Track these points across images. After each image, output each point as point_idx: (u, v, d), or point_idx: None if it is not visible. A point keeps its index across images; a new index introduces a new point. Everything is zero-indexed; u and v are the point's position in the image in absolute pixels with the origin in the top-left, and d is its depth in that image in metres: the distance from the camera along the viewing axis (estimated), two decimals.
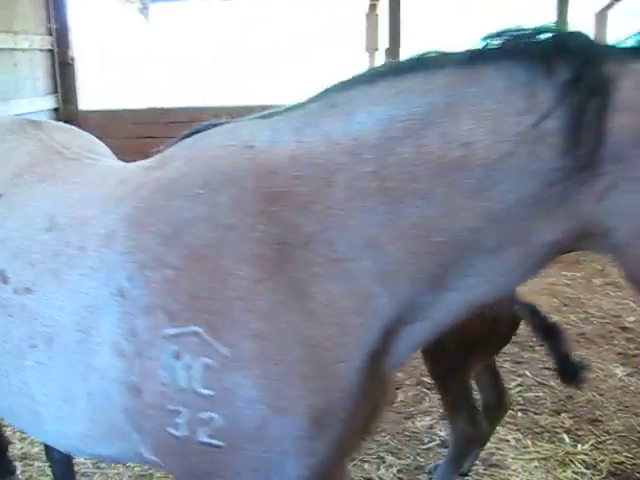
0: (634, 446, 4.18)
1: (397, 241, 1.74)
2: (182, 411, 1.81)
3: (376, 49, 9.32)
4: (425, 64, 1.77)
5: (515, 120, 1.63)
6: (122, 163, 2.48)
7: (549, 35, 1.67)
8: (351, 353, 1.80)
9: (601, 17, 10.91)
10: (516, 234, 1.71)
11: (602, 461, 3.99)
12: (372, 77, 1.84)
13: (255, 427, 1.78)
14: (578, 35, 1.67)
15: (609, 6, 11.04)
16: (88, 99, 9.50)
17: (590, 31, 1.69)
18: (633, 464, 3.99)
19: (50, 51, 8.66)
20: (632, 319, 6.02)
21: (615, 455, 4.07)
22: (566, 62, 1.61)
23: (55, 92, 8.81)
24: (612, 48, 1.65)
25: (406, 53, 8.56)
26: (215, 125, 2.09)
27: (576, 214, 1.67)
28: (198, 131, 2.11)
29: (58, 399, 2.04)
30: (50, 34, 8.63)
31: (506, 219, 1.70)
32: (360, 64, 9.87)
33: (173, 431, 1.84)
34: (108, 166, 2.41)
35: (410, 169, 1.71)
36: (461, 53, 1.73)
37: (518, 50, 1.67)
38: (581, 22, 12.15)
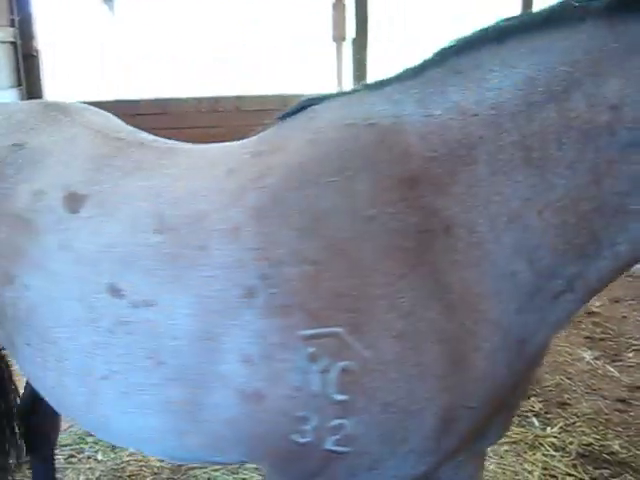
0: (602, 428, 4.23)
1: (543, 214, 1.62)
2: (311, 417, 1.70)
3: (344, 39, 9.32)
4: (559, 17, 1.61)
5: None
6: (211, 147, 2.21)
7: None
8: (486, 340, 1.69)
9: None
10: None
11: (571, 443, 4.04)
12: (500, 35, 1.68)
13: (385, 432, 1.70)
14: None
15: None
16: (54, 91, 9.35)
17: None
18: (601, 445, 4.04)
19: (13, 43, 8.53)
20: (598, 304, 6.08)
21: (584, 437, 4.12)
22: None
23: (19, 85, 8.68)
24: None
25: (373, 42, 8.71)
26: (311, 103, 1.95)
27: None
28: (295, 111, 1.98)
29: (173, 414, 1.90)
30: (13, 26, 8.50)
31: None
32: (328, 54, 9.82)
33: (297, 438, 1.73)
34: (199, 152, 2.18)
35: (556, 136, 1.58)
36: (598, 4, 1.55)
37: None
38: None
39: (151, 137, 2.34)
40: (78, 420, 2.22)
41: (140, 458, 3.93)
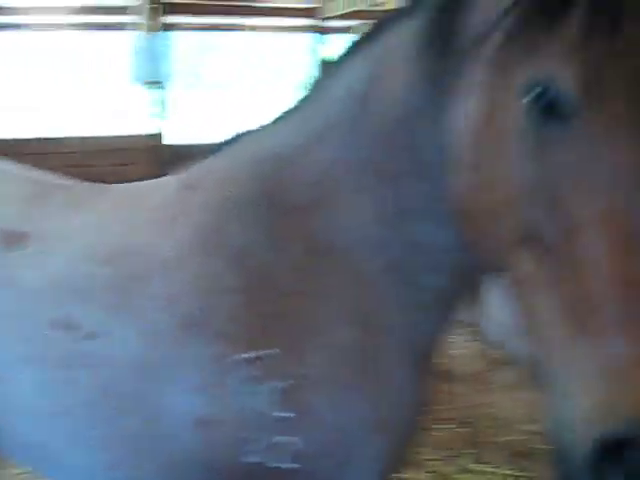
0: None
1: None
2: (258, 438, 1.74)
3: (149, 82, 9.41)
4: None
5: (406, 65, 1.68)
6: (137, 184, 2.28)
7: None
8: (397, 350, 1.81)
9: None
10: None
11: None
12: (337, 64, 1.89)
13: (327, 444, 1.75)
14: None
15: None
16: None
17: None
18: None
19: None
20: None
21: None
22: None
23: None
24: None
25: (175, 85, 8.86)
26: (237, 137, 2.06)
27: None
28: (215, 150, 2.08)
29: (126, 447, 1.88)
30: None
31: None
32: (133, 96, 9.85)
33: (246, 459, 1.75)
34: (126, 189, 2.23)
35: (410, 153, 1.71)
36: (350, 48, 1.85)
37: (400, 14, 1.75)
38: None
39: (63, 179, 2.37)
40: (28, 460, 2.17)
41: None
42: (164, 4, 9.06)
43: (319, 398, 1.73)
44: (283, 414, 1.72)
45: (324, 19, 10.24)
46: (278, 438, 1.73)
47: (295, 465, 1.74)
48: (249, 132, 2.06)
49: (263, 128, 2.02)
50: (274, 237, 1.82)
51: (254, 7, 10.23)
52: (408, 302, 1.82)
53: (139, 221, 2.01)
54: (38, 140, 8.92)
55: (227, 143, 2.08)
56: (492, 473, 4.23)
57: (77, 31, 11.25)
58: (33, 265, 1.99)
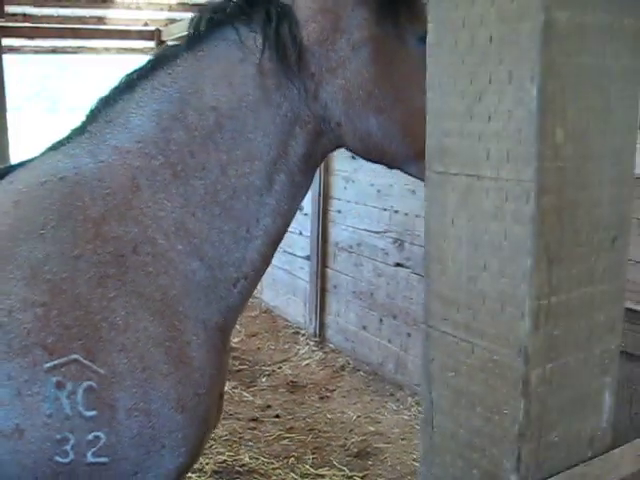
0: (235, 445, 4.79)
1: (196, 214, 2.01)
2: (69, 437, 1.83)
3: None
4: (162, 60, 2.06)
5: (240, 68, 2.00)
6: None
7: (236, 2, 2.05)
8: (192, 334, 1.98)
9: None
10: (278, 161, 2.06)
11: (207, 464, 4.49)
12: (128, 84, 2.07)
13: (135, 435, 1.88)
14: None
15: None
16: None
17: None
18: (234, 460, 4.57)
19: None
20: (237, 339, 6.83)
21: (219, 456, 4.62)
22: (256, 11, 2.00)
23: None
24: None
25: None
26: (8, 170, 2.13)
27: (307, 121, 2.06)
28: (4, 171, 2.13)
29: None
30: None
31: (267, 152, 2.05)
32: None
33: (60, 459, 1.84)
34: None
35: (188, 149, 2.00)
36: (180, 44, 2.07)
37: (220, 20, 2.03)
38: None
39: None
40: None
41: None
42: (1, 27, 8.79)
43: (121, 393, 1.86)
44: (88, 413, 1.84)
45: (165, 41, 10.23)
46: (88, 435, 1.84)
47: (106, 458, 1.86)
48: (24, 161, 2.16)
49: (51, 148, 2.12)
50: (69, 250, 1.91)
51: (95, 30, 10.09)
52: (208, 287, 2.04)
53: None
54: None
55: (1, 173, 2.14)
56: (332, 476, 4.40)
57: None
58: None
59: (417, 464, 4.42)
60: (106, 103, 2.07)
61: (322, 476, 4.41)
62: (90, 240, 1.93)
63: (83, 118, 2.10)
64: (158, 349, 1.91)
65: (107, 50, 11.78)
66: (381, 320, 5.87)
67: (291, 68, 2.00)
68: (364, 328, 6.10)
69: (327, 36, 2.00)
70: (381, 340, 5.89)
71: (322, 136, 2.11)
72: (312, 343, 6.66)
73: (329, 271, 6.62)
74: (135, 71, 2.09)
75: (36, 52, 11.45)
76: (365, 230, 6.04)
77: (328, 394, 5.63)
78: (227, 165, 2.01)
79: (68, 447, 1.84)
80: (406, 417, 5.19)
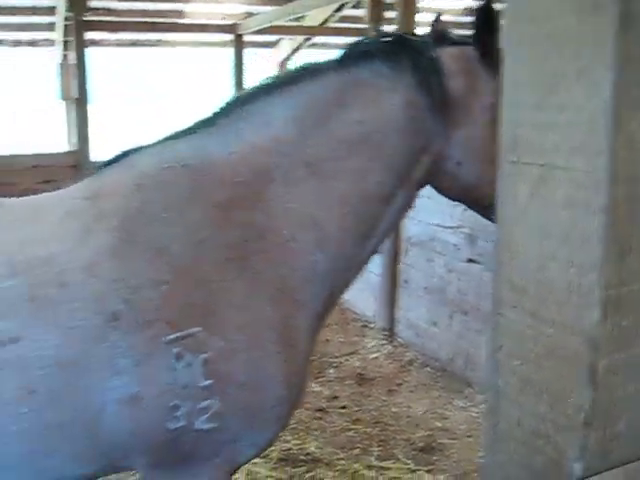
0: (302, 435, 4.84)
1: (328, 211, 2.23)
2: (182, 405, 2.00)
3: (71, 97, 9.47)
4: (309, 71, 2.31)
5: (389, 96, 2.27)
6: (33, 197, 2.40)
7: (390, 38, 2.38)
8: (303, 320, 2.19)
9: (283, 66, 11.94)
10: (404, 179, 2.34)
11: (273, 451, 4.51)
12: (270, 87, 2.30)
13: (242, 406, 2.06)
14: (409, 34, 2.45)
15: (288, 57, 12.00)
16: None
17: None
18: (299, 448, 4.62)
19: None
20: None
21: (285, 444, 4.66)
22: (408, 53, 2.31)
23: None
24: (428, 40, 2.42)
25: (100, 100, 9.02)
26: (126, 154, 2.31)
27: (434, 153, 2.35)
28: (112, 162, 2.30)
29: (57, 435, 2.03)
30: None
31: (398, 170, 2.31)
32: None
33: (171, 425, 2.01)
34: (21, 203, 2.36)
35: (328, 153, 2.23)
36: (333, 61, 2.32)
37: (373, 52, 2.31)
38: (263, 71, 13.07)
39: None
40: None
41: None
42: (84, 21, 9.05)
43: (235, 367, 2.03)
44: (204, 382, 1.99)
45: (243, 34, 10.34)
46: (200, 403, 2.00)
47: (213, 425, 2.02)
48: (140, 147, 2.31)
49: (170, 138, 2.30)
50: (194, 233, 2.09)
51: (174, 23, 10.29)
52: (324, 279, 2.26)
53: (47, 234, 2.13)
54: None
55: (118, 158, 2.31)
56: (397, 469, 4.41)
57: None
58: None
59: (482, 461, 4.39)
60: (243, 101, 2.29)
61: (386, 469, 4.41)
62: (216, 225, 2.11)
63: (213, 112, 2.30)
64: (271, 331, 2.09)
65: (185, 43, 11.99)
66: (451, 316, 5.84)
67: (436, 109, 2.29)
68: (434, 324, 6.08)
69: (465, 93, 2.34)
70: (451, 336, 5.86)
71: (437, 169, 2.40)
72: (381, 337, 6.66)
73: (400, 266, 6.62)
74: (278, 76, 2.39)
75: (118, 45, 11.74)
76: (437, 225, 6.01)
77: (395, 388, 5.63)
78: (366, 172, 2.26)
79: (180, 413, 2.00)
80: (474, 414, 5.15)
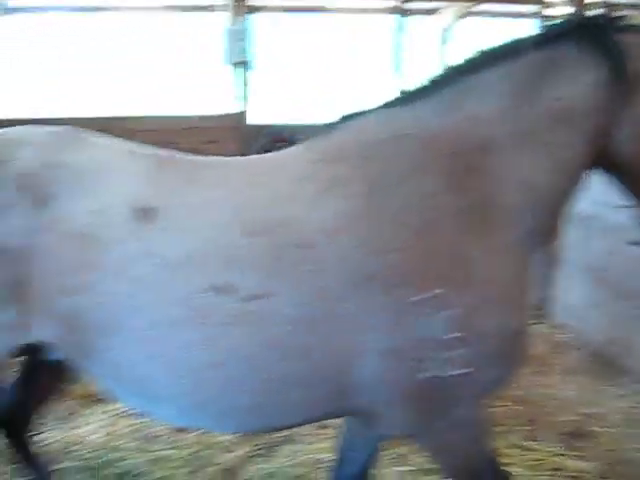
0: None
1: (538, 176, 2.39)
2: (433, 356, 2.18)
3: (237, 63, 9.67)
4: (513, 50, 2.42)
5: (582, 76, 2.37)
6: (257, 158, 2.60)
7: (582, 21, 2.46)
8: (529, 271, 2.39)
9: (444, 36, 11.58)
10: (588, 155, 2.43)
11: None
12: (482, 61, 2.43)
13: (487, 355, 2.24)
14: (598, 17, 2.48)
15: (450, 25, 11.64)
16: None
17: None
18: None
19: None
20: None
21: None
22: (598, 35, 2.39)
23: None
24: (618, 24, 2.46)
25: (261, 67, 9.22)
26: (347, 119, 2.47)
27: (606, 135, 2.41)
28: (332, 126, 2.47)
29: (294, 389, 2.26)
30: None
31: (582, 147, 2.40)
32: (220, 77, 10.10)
33: (423, 375, 2.20)
34: (250, 164, 2.55)
35: (533, 125, 2.36)
36: (532, 40, 2.43)
37: (567, 34, 2.42)
38: (424, 40, 12.77)
39: (173, 153, 2.64)
40: (160, 409, 2.41)
41: None
42: None
43: (484, 319, 2.20)
44: (454, 335, 2.17)
45: (407, 1, 10.17)
46: (450, 353, 2.18)
47: (465, 370, 2.21)
48: (359, 113, 2.45)
49: (389, 106, 2.45)
50: (429, 200, 2.24)
51: None
52: (540, 235, 2.45)
53: (281, 195, 2.28)
54: (124, 119, 9.15)
55: (337, 123, 2.46)
56: (541, 450, 4.29)
57: (166, 12, 11.59)
58: (172, 237, 2.23)
59: (634, 453, 4.19)
60: (459, 74, 2.42)
61: (532, 450, 4.30)
62: (448, 191, 2.25)
63: (428, 82, 2.45)
64: (512, 284, 2.28)
65: (347, 10, 11.93)
66: (611, 299, 5.56)
67: (622, 90, 2.36)
68: (592, 306, 5.82)
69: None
70: (609, 321, 5.58)
71: (608, 149, 2.44)
72: (535, 316, 6.44)
73: (559, 244, 6.36)
74: (490, 50, 2.46)
75: (282, 10, 11.87)
76: (600, 203, 5.72)
77: (546, 369, 5.45)
78: (563, 146, 2.37)
79: (432, 365, 2.19)
80: (628, 404, 4.92)
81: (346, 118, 2.48)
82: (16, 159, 2.35)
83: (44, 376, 3.07)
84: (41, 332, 2.33)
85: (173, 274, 2.18)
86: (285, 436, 4.26)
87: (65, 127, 2.59)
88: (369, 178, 2.28)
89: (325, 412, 2.37)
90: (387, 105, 2.46)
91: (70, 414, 4.52)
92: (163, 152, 2.58)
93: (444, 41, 11.89)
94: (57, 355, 2.47)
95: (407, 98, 2.44)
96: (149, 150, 2.55)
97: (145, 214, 2.26)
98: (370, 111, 2.46)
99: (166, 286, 2.18)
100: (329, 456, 4.02)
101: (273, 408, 2.30)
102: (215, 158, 2.58)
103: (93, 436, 4.19)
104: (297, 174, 2.34)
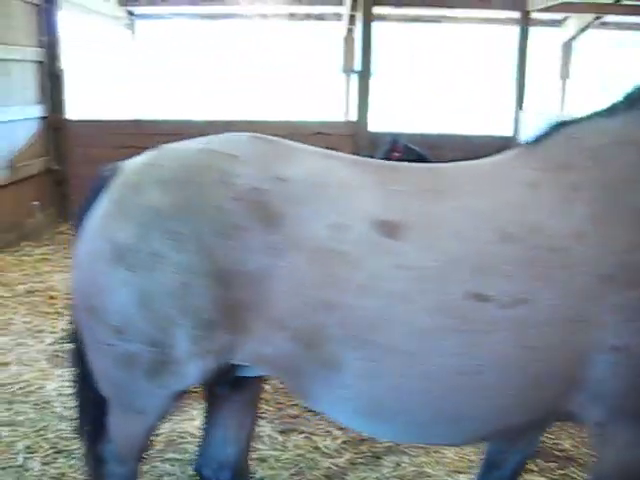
0: (556, 430, 4.45)
1: None
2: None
3: (352, 71, 9.69)
4: None
5: None
6: (472, 165, 2.58)
7: None
8: None
9: (567, 48, 11.26)
10: None
11: None
12: None
13: None
14: None
15: (574, 37, 11.31)
16: (75, 109, 9.75)
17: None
18: (554, 443, 4.35)
19: (40, 62, 8.88)
20: None
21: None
22: None
23: (44, 101, 9.01)
24: None
25: (380, 74, 9.15)
26: (559, 127, 2.49)
27: None
28: (547, 133, 2.48)
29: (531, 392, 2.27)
30: (41, 46, 8.84)
31: None
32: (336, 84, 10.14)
33: None
34: (469, 171, 2.54)
35: None
36: None
37: None
38: (547, 52, 12.41)
39: (382, 161, 2.64)
40: (405, 422, 2.38)
41: None
42: None
43: None
44: None
45: (530, 11, 9.96)
46: None
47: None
48: (569, 121, 2.49)
49: (598, 115, 2.46)
50: None
51: None
52: None
53: (520, 202, 2.31)
54: (247, 122, 9.23)
55: (549, 131, 2.48)
56: None
57: (285, 21, 11.77)
58: (422, 250, 2.21)
59: None
60: None
61: None
62: None
63: (623, 99, 2.43)
64: None
65: (468, 20, 11.79)
66: None
67: None
68: None
69: None
70: None
71: None
72: None
73: None
74: None
75: (402, 20, 11.83)
76: None
77: None
78: None
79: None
80: None
81: (556, 127, 2.50)
82: (237, 175, 2.29)
83: (240, 401, 2.95)
84: (256, 350, 2.30)
85: (428, 285, 2.19)
86: (388, 447, 4.18)
87: (254, 134, 2.52)
88: (601, 183, 2.31)
89: (546, 412, 2.36)
90: (596, 115, 2.48)
91: (176, 408, 4.56)
92: (382, 161, 2.61)
93: (568, 52, 11.60)
94: (256, 372, 2.47)
95: (611, 109, 2.45)
96: (364, 159, 2.55)
97: (388, 227, 2.24)
98: (580, 120, 2.50)
99: (421, 297, 2.18)
100: (432, 471, 3.90)
101: (515, 408, 2.29)
102: (427, 165, 2.59)
103: (198, 432, 4.21)
104: (528, 181, 2.36)
